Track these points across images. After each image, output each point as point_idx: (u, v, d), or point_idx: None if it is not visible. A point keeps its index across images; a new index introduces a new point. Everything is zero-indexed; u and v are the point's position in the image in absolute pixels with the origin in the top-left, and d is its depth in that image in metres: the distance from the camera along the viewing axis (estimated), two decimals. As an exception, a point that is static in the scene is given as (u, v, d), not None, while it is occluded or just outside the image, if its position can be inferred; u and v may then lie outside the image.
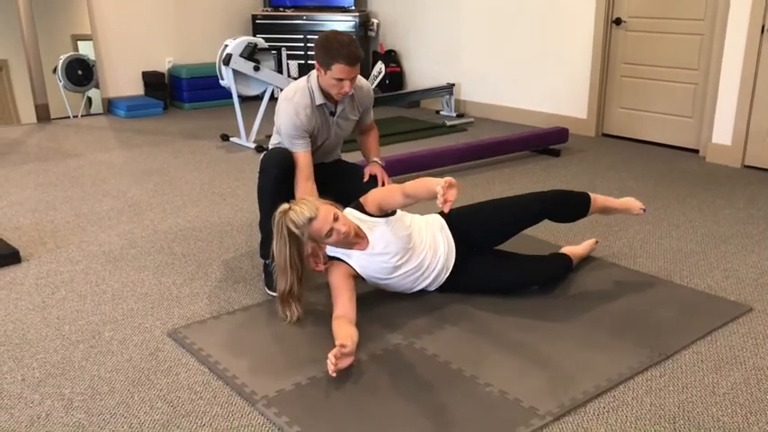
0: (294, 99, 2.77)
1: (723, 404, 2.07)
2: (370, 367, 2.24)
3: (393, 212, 2.59)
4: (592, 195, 2.86)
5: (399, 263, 2.56)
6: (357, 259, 2.54)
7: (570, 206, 2.84)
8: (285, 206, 2.43)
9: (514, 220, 2.77)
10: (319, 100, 2.79)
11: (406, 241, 2.56)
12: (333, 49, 2.63)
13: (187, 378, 2.20)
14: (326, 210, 2.40)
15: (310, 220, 2.37)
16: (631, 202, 2.97)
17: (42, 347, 2.40)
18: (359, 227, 2.53)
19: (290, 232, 2.40)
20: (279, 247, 2.43)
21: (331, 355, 2.06)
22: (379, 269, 2.56)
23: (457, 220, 2.73)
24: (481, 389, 2.12)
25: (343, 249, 2.55)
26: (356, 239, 2.50)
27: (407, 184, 2.43)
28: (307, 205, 2.40)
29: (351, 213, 2.58)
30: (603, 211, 2.96)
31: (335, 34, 2.69)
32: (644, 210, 2.98)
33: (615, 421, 1.98)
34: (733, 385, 2.17)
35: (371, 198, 2.55)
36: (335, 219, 2.39)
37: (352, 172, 3.05)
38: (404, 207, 2.53)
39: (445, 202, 2.20)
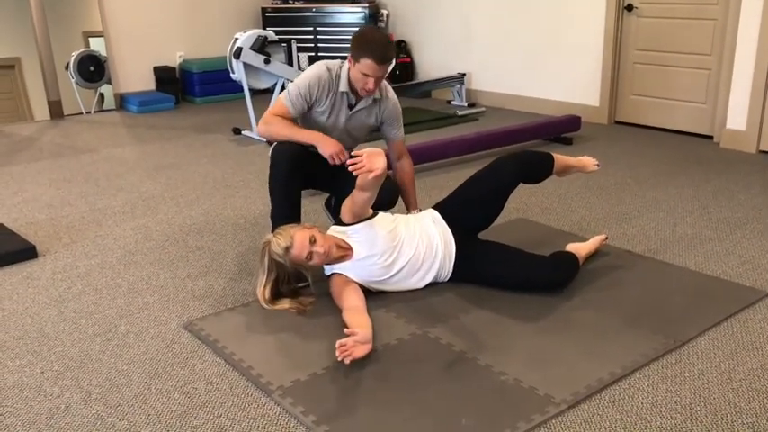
0: (321, 70, 2.83)
1: (740, 390, 2.06)
2: (385, 356, 2.25)
3: (373, 216, 2.61)
4: (554, 155, 2.87)
5: (389, 261, 2.57)
6: (349, 269, 2.57)
7: (540, 166, 2.83)
8: (268, 237, 2.53)
9: (496, 189, 2.77)
10: (343, 87, 2.84)
11: (390, 239, 2.57)
12: (365, 43, 2.69)
13: (203, 369, 2.22)
14: (302, 236, 2.46)
15: (287, 249, 2.45)
16: (585, 160, 3.01)
17: (60, 341, 2.42)
18: (342, 240, 2.57)
19: (276, 261, 2.50)
20: (262, 271, 2.54)
21: (338, 342, 2.08)
22: (371, 272, 2.57)
23: (446, 208, 2.76)
24: (496, 377, 2.12)
25: (336, 264, 2.58)
26: (341, 252, 2.55)
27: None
28: (282, 235, 2.48)
29: (333, 230, 2.63)
30: (564, 170, 2.95)
31: (373, 31, 2.79)
32: (598, 166, 3.02)
33: (631, 408, 1.98)
34: (750, 371, 2.15)
35: (343, 208, 2.59)
36: (312, 242, 2.45)
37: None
38: (371, 200, 2.52)
39: (360, 168, 2.30)
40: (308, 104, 2.84)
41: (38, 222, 3.63)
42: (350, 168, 2.33)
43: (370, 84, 2.74)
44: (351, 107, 2.90)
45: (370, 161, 2.31)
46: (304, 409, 1.98)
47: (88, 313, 2.63)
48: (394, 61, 6.89)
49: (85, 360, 2.30)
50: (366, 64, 2.69)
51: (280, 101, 2.85)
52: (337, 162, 2.71)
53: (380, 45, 2.69)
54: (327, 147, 2.73)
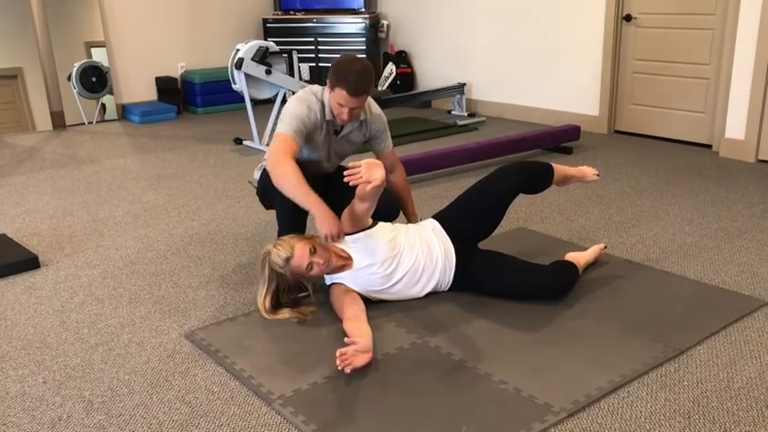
0: (309, 99, 2.76)
1: (738, 399, 2.07)
2: (385, 366, 2.26)
3: (373, 225, 2.62)
4: (554, 165, 2.88)
5: (389, 270, 2.58)
6: (349, 279, 2.59)
7: (540, 176, 2.83)
8: (268, 248, 2.53)
9: (496, 199, 2.77)
10: (329, 115, 2.79)
11: (390, 248, 2.58)
12: (341, 73, 2.61)
13: (204, 379, 2.23)
14: (302, 246, 2.48)
15: (287, 260, 2.47)
16: (585, 170, 3.03)
17: (62, 351, 2.44)
18: (341, 249, 2.59)
19: (276, 271, 2.51)
20: (263, 281, 2.55)
21: (339, 352, 2.10)
22: (371, 281, 2.59)
23: (446, 218, 2.77)
24: (496, 386, 2.13)
25: (337, 274, 2.60)
26: (341, 262, 2.57)
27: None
28: (283, 246, 2.49)
29: None
30: (564, 180, 2.96)
31: (352, 60, 2.67)
32: (598, 175, 3.05)
33: (630, 417, 1.99)
34: (748, 380, 2.16)
35: (343, 218, 2.60)
36: (312, 252, 2.47)
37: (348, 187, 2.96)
38: (370, 209, 2.54)
39: (358, 179, 2.31)
40: (307, 132, 2.75)
41: (40, 233, 3.65)
42: (348, 179, 2.34)
43: (345, 114, 2.69)
44: (336, 133, 2.88)
45: (369, 172, 2.33)
46: (305, 419, 1.99)
47: (90, 323, 2.64)
48: (394, 71, 6.93)
49: (87, 370, 2.31)
50: (340, 94, 2.63)
51: (281, 136, 2.66)
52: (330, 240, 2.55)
53: (355, 76, 2.59)
54: (325, 225, 2.51)
